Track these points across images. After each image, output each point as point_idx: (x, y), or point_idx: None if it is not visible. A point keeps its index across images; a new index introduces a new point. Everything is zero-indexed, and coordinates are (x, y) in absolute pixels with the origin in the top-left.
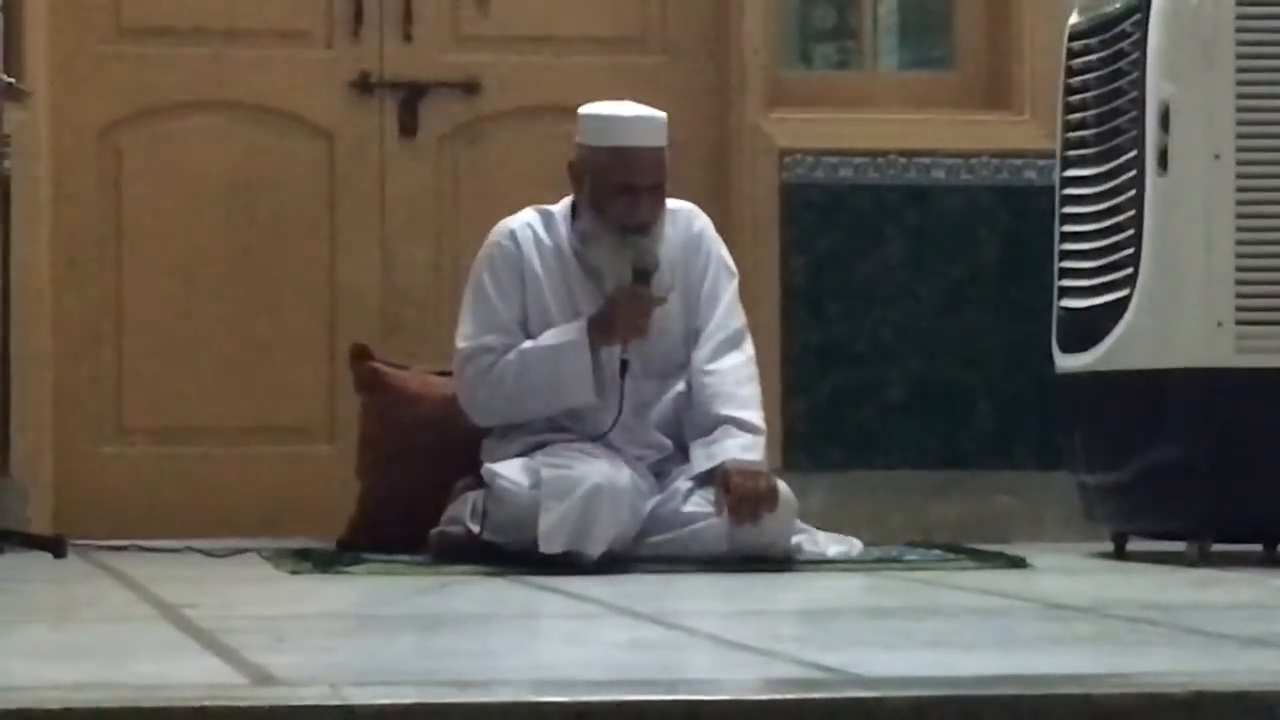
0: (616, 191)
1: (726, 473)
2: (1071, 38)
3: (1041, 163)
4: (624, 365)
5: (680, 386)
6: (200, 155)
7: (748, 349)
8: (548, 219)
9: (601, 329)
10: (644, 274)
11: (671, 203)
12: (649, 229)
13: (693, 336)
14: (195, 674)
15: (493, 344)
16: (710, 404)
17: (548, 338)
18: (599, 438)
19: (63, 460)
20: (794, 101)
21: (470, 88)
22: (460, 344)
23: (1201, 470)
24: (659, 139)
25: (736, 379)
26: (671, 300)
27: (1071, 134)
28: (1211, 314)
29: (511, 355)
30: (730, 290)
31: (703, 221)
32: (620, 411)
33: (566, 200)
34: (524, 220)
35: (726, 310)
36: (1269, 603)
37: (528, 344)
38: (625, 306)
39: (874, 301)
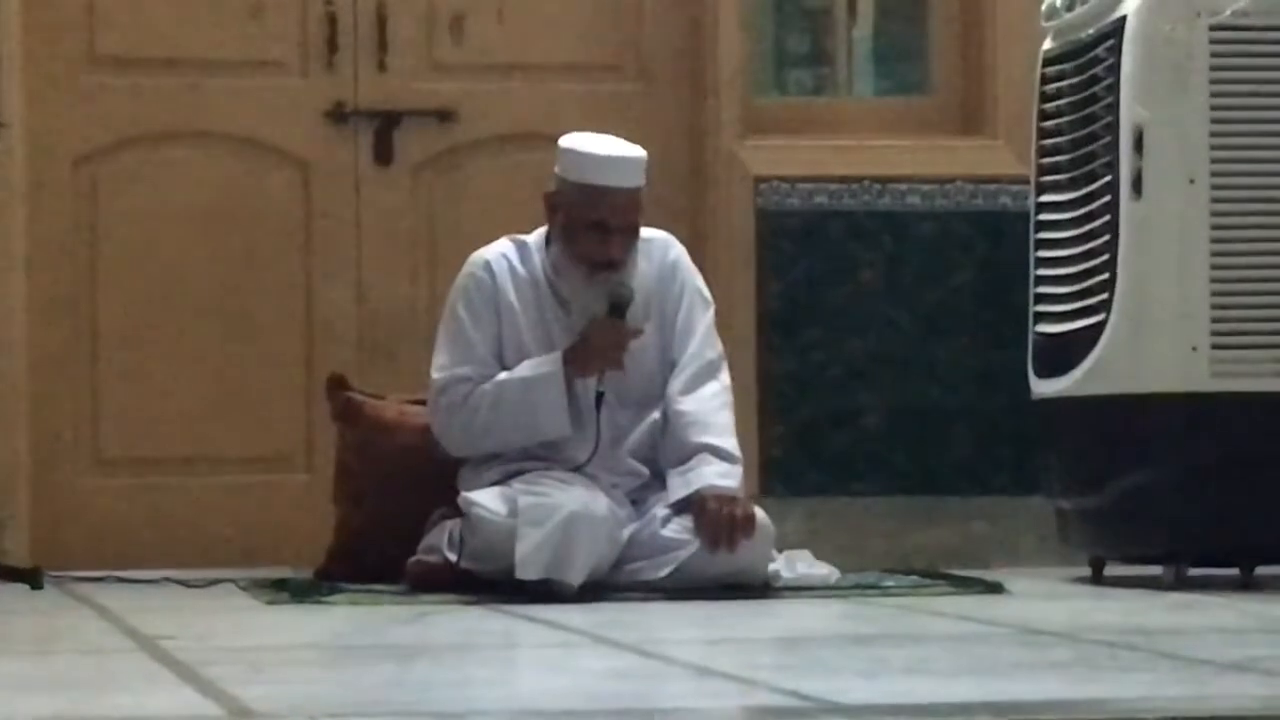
0: (587, 228)
1: (703, 499)
2: (1045, 63)
3: (1016, 188)
4: (599, 397)
5: (655, 416)
6: (176, 185)
7: (723, 379)
8: (522, 249)
9: (577, 361)
10: (619, 307)
11: (645, 232)
12: (618, 266)
13: (668, 367)
14: (172, 706)
15: (467, 375)
16: (686, 432)
17: (523, 369)
18: (576, 469)
19: (39, 491)
20: (769, 128)
21: (445, 116)
22: (435, 375)
23: (1177, 494)
24: (636, 179)
25: (712, 407)
26: (646, 331)
27: (1046, 159)
28: (1186, 339)
29: (487, 386)
30: (705, 320)
31: (677, 251)
32: (598, 444)
33: (541, 230)
34: (499, 251)
35: (702, 340)
36: (1246, 627)
37: (503, 375)
38: (601, 338)
39: (850, 327)
